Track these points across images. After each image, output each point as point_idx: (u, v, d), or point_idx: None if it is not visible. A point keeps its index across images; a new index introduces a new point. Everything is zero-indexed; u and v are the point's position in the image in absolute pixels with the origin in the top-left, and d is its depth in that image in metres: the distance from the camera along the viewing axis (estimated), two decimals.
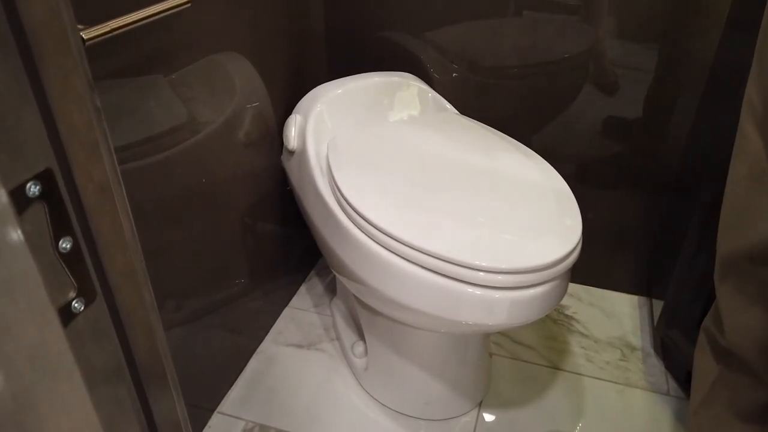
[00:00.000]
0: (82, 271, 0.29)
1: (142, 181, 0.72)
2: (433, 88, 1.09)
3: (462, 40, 1.09)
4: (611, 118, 1.08)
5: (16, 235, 0.23)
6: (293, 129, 0.97)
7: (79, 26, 0.49)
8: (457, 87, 1.12)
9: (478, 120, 1.02)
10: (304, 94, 1.03)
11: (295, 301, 1.21)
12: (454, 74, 1.12)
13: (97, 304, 0.31)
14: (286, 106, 1.03)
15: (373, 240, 0.76)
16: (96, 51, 0.60)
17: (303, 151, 0.95)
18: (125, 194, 0.32)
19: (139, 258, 0.34)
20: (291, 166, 1.02)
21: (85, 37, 0.48)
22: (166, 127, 0.75)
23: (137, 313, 0.34)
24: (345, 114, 1.00)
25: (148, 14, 0.55)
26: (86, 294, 0.30)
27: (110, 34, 0.51)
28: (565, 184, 0.83)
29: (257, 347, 1.09)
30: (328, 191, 0.87)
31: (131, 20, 0.53)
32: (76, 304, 0.29)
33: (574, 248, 0.73)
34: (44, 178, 0.26)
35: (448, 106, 1.07)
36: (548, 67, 1.07)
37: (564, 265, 0.71)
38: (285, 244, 1.15)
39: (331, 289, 1.24)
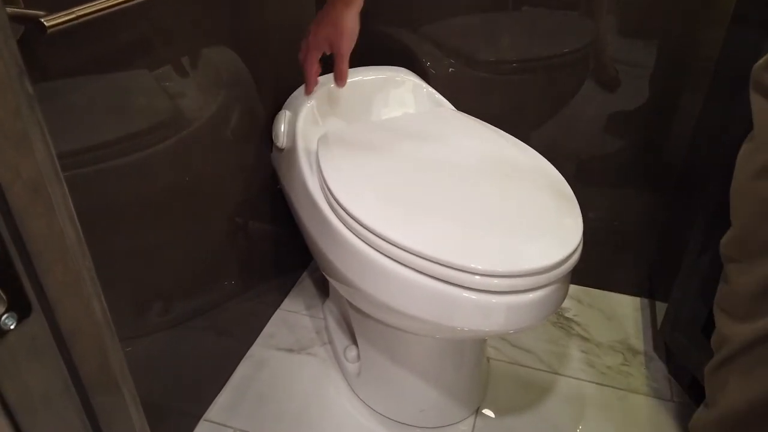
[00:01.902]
0: (12, 282, 0.26)
1: (125, 179, 0.69)
2: (429, 84, 1.05)
3: (459, 34, 1.06)
4: (612, 114, 1.05)
5: None
6: (282, 125, 0.94)
7: (41, 12, 0.45)
8: (454, 82, 1.09)
9: (475, 116, 0.99)
10: (295, 89, 0.99)
11: (287, 303, 1.18)
12: (450, 69, 1.09)
13: (34, 319, 0.27)
14: (275, 102, 0.99)
15: (364, 241, 0.73)
16: (69, 40, 0.56)
17: (292, 148, 0.91)
18: (67, 193, 0.28)
19: (86, 266, 0.30)
20: (280, 164, 0.98)
21: (46, 24, 0.44)
22: (148, 123, 0.71)
23: (84, 328, 0.30)
24: (336, 110, 0.97)
25: (116, 1, 0.52)
26: (18, 308, 0.26)
27: (76, 21, 0.47)
28: (566, 182, 0.80)
29: (247, 351, 1.06)
30: (318, 190, 0.83)
31: (99, 7, 0.49)
32: (6, 320, 0.26)
33: (575, 250, 0.69)
34: None
35: (444, 101, 1.03)
36: (548, 62, 1.04)
37: (564, 268, 0.68)
38: (276, 245, 1.12)
39: (324, 291, 1.20)
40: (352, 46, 0.82)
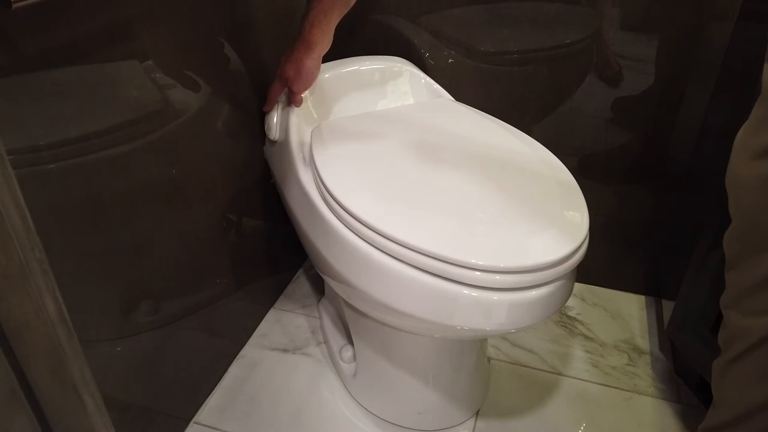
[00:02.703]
0: None
1: (109, 173, 0.66)
2: (427, 75, 1.02)
3: (459, 24, 1.02)
4: (616, 109, 1.02)
5: None
6: (275, 117, 0.90)
7: None
8: (453, 74, 1.06)
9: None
10: None
11: (281, 302, 1.14)
12: (450, 60, 1.05)
13: None
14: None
15: (360, 237, 0.70)
16: (42, 19, 0.53)
17: (285, 141, 0.88)
18: (12, 175, 0.25)
19: (36, 257, 0.26)
20: (273, 158, 0.95)
21: None
22: (134, 114, 0.68)
23: (33, 327, 0.26)
24: (331, 101, 0.94)
25: None
26: None
27: None
28: (570, 175, 0.76)
29: (239, 351, 1.03)
30: (311, 184, 0.80)
31: None
32: None
33: (581, 245, 0.66)
34: None
35: (443, 92, 1.00)
36: (549, 53, 1.01)
37: (569, 264, 0.65)
38: (270, 241, 1.08)
39: (320, 288, 1.17)
40: (308, 86, 0.87)
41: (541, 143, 0.84)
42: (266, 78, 0.94)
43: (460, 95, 1.01)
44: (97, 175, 0.64)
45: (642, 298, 1.16)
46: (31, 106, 0.55)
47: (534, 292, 0.64)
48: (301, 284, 1.19)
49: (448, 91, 1.00)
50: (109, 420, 0.33)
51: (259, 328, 1.08)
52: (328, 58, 0.99)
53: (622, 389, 0.97)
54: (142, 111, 0.69)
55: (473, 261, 0.62)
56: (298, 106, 0.89)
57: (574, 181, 0.75)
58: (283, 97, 0.90)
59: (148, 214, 0.73)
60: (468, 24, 1.02)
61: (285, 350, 1.03)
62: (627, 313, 1.13)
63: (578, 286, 1.18)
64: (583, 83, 1.01)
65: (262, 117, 0.96)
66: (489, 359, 1.02)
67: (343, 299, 0.87)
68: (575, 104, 1.03)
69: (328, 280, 0.87)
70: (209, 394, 0.94)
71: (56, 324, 0.28)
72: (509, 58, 1.03)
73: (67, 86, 0.59)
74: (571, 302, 1.14)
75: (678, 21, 0.91)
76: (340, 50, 1.07)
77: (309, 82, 0.86)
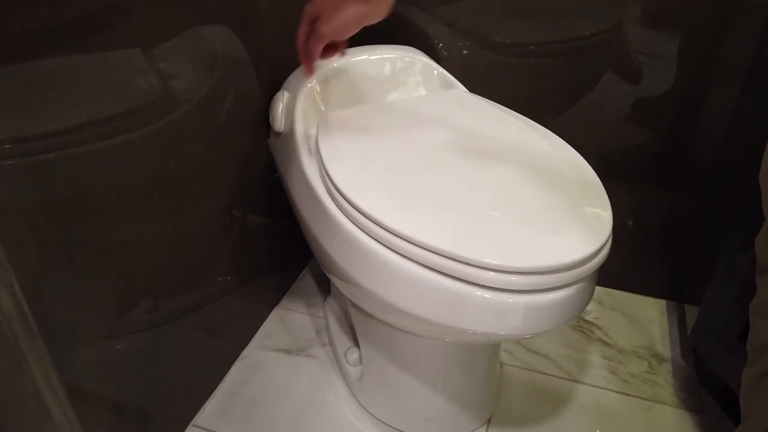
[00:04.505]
0: None
1: (106, 167, 0.63)
2: (440, 66, 0.98)
3: (473, 14, 0.99)
4: (637, 106, 0.98)
5: None
6: (280, 107, 0.87)
7: None
8: (467, 65, 1.02)
9: None
10: (295, 68, 0.92)
11: (285, 301, 1.11)
12: (464, 51, 1.02)
13: None
14: (274, 82, 0.93)
15: (367, 233, 0.66)
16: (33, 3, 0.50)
17: (291, 132, 0.84)
18: None
19: None
20: (278, 150, 0.91)
21: None
22: (131, 105, 0.65)
23: None
24: (339, 91, 0.90)
25: None
26: None
27: None
28: (592, 171, 0.72)
29: (240, 352, 0.99)
30: (317, 177, 0.76)
31: None
32: None
33: (603, 245, 0.62)
34: None
35: (457, 83, 0.96)
36: (567, 45, 0.98)
37: (590, 266, 0.61)
38: (275, 238, 1.05)
39: (325, 287, 1.13)
40: (337, 33, 0.67)
41: None
42: (271, 65, 0.91)
43: (474, 88, 0.98)
44: (92, 168, 0.61)
45: (662, 302, 1.12)
46: (20, 94, 0.52)
47: (552, 295, 0.60)
48: (306, 283, 1.16)
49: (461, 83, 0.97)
50: (80, 429, 0.30)
51: (261, 328, 1.05)
52: None
53: (642, 398, 0.93)
54: (139, 101, 0.66)
55: (487, 260, 0.58)
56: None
57: (597, 178, 0.71)
58: (288, 85, 0.87)
59: (145, 208, 0.70)
60: (483, 14, 0.99)
61: (288, 351, 1.00)
62: (647, 318, 1.08)
63: (596, 290, 1.14)
64: (601, 79, 0.98)
65: (266, 108, 0.92)
66: (501, 364, 0.98)
67: (349, 299, 0.84)
68: (593, 100, 1.00)
69: (333, 279, 0.83)
70: (209, 397, 0.91)
71: (13, 321, 0.24)
72: (525, 50, 1.00)
73: (60, 74, 0.56)
74: (588, 306, 1.10)
75: (702, 16, 0.88)
76: (349, 40, 1.03)
77: (343, 27, 0.65)
